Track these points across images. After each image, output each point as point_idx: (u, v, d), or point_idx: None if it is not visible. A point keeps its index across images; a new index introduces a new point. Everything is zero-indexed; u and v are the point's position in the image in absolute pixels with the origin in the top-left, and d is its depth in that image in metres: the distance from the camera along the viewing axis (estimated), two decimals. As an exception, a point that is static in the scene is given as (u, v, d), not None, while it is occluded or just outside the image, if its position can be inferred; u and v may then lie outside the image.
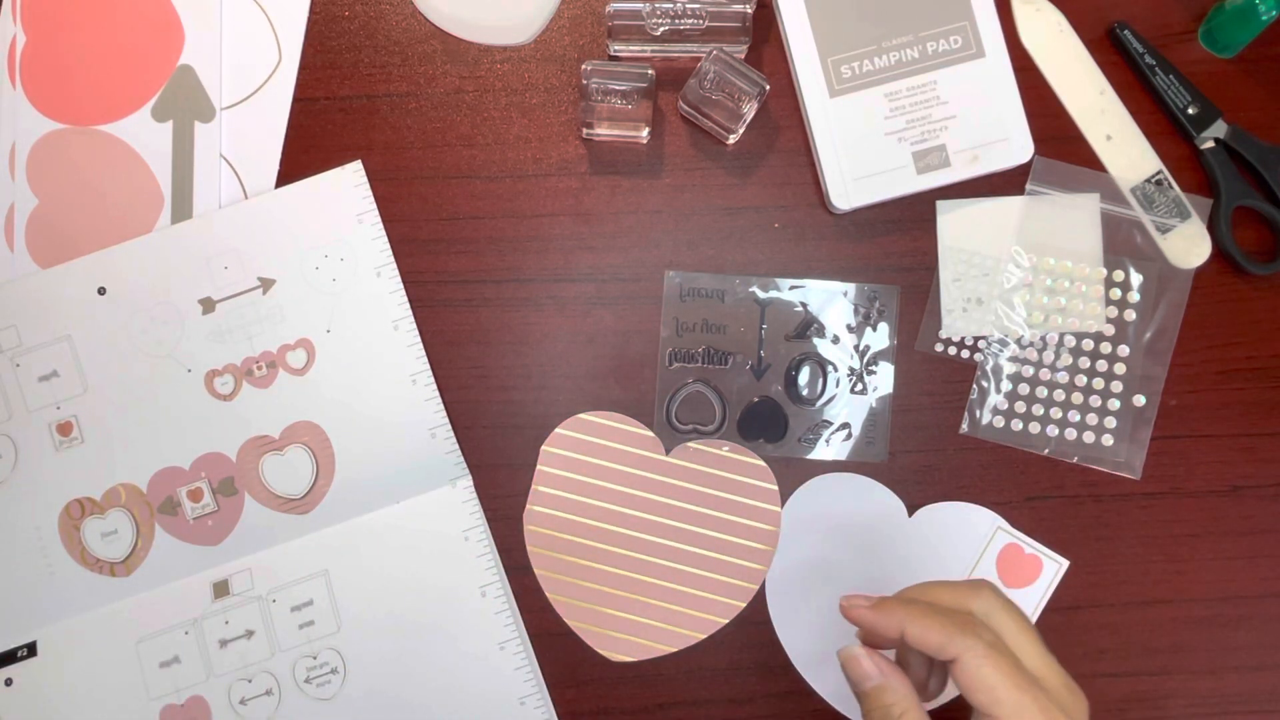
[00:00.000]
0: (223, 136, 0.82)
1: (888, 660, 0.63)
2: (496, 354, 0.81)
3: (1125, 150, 0.81)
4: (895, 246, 0.82)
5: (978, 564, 0.81)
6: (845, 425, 0.81)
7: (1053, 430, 0.81)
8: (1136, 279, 0.81)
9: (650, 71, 0.77)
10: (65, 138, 0.82)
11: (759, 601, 0.81)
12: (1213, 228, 0.81)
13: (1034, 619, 0.80)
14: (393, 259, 0.81)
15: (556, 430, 0.81)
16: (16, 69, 0.82)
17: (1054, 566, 0.81)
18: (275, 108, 0.82)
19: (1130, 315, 0.81)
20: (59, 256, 0.81)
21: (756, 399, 0.81)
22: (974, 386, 0.81)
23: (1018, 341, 0.81)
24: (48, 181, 0.81)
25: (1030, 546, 0.81)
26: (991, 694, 0.58)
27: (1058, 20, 0.82)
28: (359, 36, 0.82)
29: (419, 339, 0.81)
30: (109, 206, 0.81)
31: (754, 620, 0.81)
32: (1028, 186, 0.81)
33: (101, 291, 0.80)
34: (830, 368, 0.81)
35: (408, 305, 0.81)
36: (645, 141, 0.81)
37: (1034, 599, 0.81)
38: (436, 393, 0.80)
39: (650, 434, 0.81)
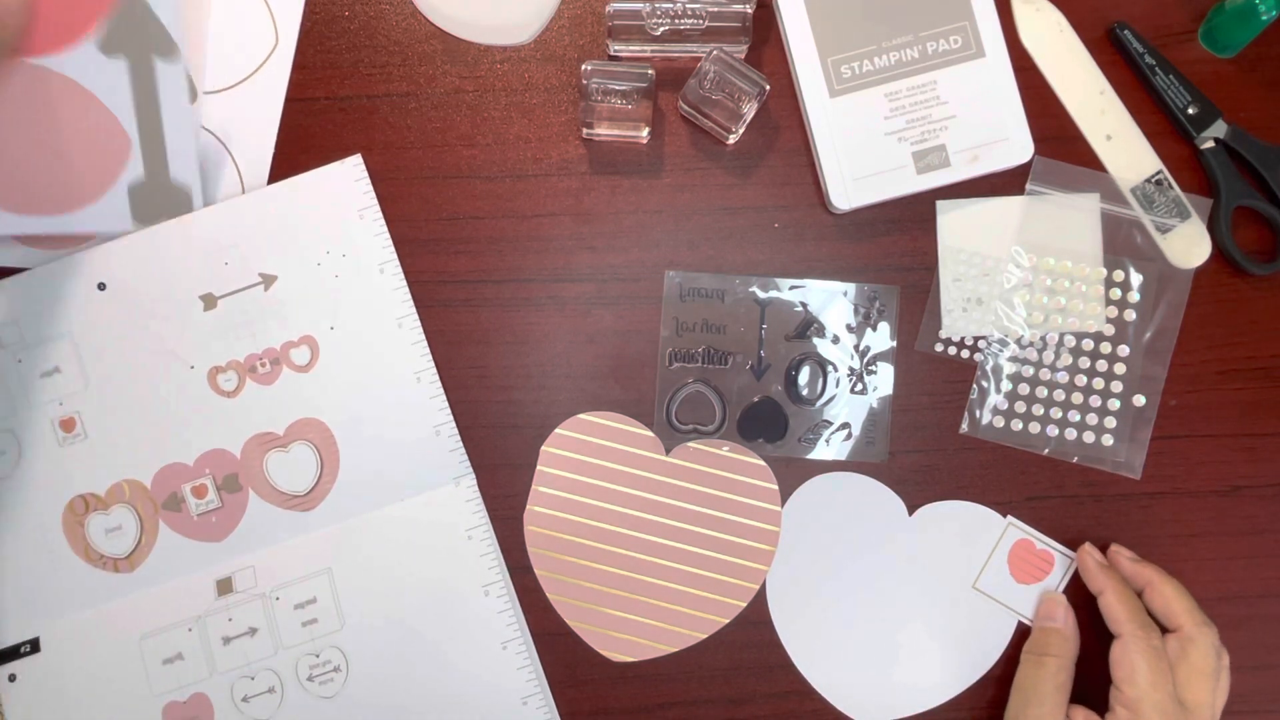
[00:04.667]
0: (212, 119, 0.81)
1: (1075, 619, 0.79)
2: (496, 354, 0.81)
3: (1125, 150, 0.81)
4: (895, 246, 0.82)
5: (989, 560, 0.81)
6: (845, 425, 0.81)
7: (1053, 430, 0.81)
8: (1136, 279, 0.81)
9: (650, 71, 0.77)
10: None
11: (759, 601, 0.81)
12: (1213, 228, 0.81)
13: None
14: (395, 255, 0.81)
15: (556, 430, 0.81)
16: None
17: (1065, 562, 0.81)
18: (271, 91, 0.82)
19: (1130, 315, 0.81)
20: (22, 200, 0.78)
21: (756, 399, 0.81)
22: (974, 386, 0.81)
23: (1018, 341, 0.81)
24: None
25: (1041, 542, 0.81)
26: (1204, 664, 0.73)
27: (1058, 20, 0.82)
28: (359, 36, 0.82)
29: (423, 336, 0.81)
30: (69, 150, 0.78)
31: (754, 620, 0.81)
32: (1028, 186, 0.81)
33: (101, 287, 0.80)
34: (830, 368, 0.81)
35: (411, 302, 0.81)
36: (645, 141, 0.82)
37: (1044, 595, 0.81)
38: (441, 390, 0.80)
39: (650, 434, 0.81)
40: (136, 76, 0.78)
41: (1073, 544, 0.81)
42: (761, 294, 0.81)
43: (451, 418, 0.80)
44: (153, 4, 0.78)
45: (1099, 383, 0.81)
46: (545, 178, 0.82)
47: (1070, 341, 0.81)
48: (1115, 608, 0.76)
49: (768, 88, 0.78)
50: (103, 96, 0.78)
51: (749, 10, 0.78)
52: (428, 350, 0.81)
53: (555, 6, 0.82)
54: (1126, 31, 0.81)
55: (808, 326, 0.81)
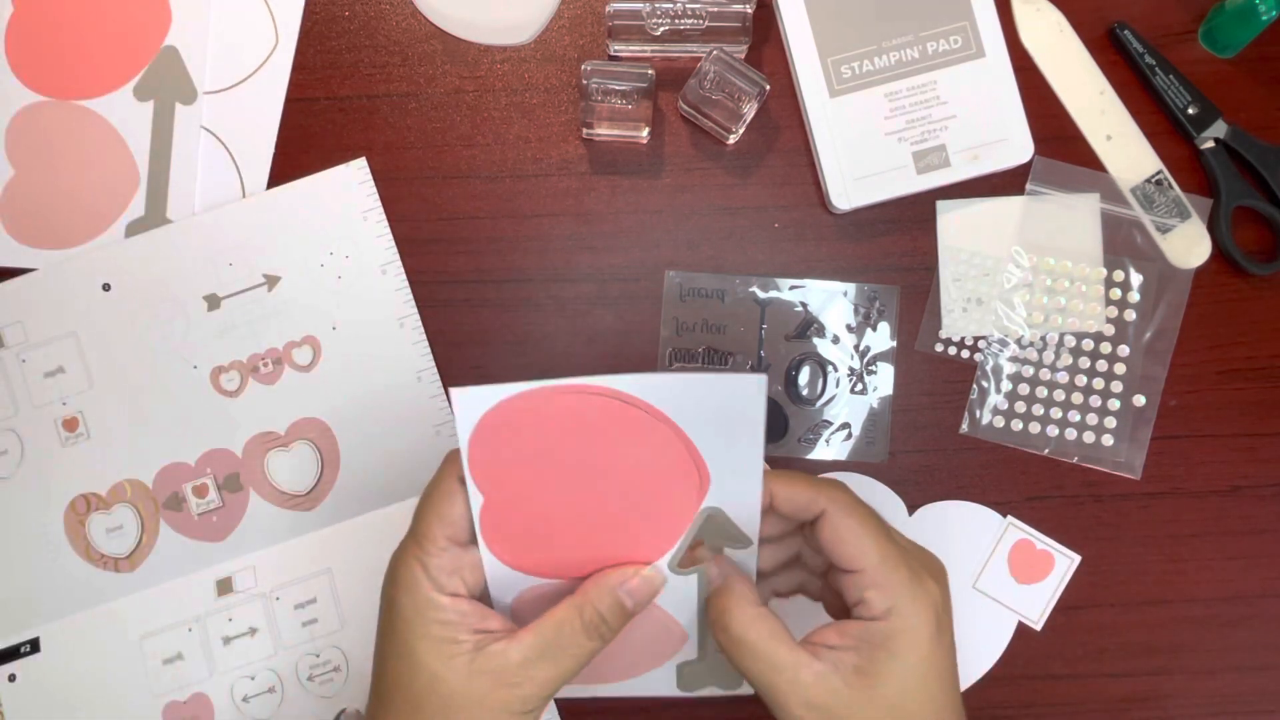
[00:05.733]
0: (212, 120, 0.82)
1: (731, 562, 0.63)
2: (496, 354, 0.81)
3: (1125, 150, 0.81)
4: (895, 246, 0.82)
5: (989, 560, 0.81)
6: (845, 425, 0.81)
7: (1053, 430, 0.81)
8: (1136, 279, 0.81)
9: (650, 71, 0.78)
10: (46, 110, 0.82)
11: (759, 600, 0.81)
12: (1213, 228, 0.81)
13: (1044, 616, 0.81)
14: (398, 256, 0.81)
15: (556, 430, 0.81)
16: (2, 39, 0.82)
17: (1066, 562, 0.81)
18: (271, 91, 0.82)
19: (1130, 315, 0.81)
20: (32, 230, 0.82)
21: (756, 398, 0.81)
22: (974, 386, 0.81)
23: (1018, 341, 0.81)
24: (26, 153, 0.82)
25: (1041, 542, 0.81)
26: (859, 544, 0.58)
27: (1058, 20, 0.82)
28: (359, 36, 0.83)
29: (424, 336, 0.81)
30: (85, 184, 0.82)
31: (754, 619, 0.81)
32: (1028, 186, 0.81)
33: (106, 288, 0.80)
34: (830, 368, 0.81)
35: (413, 303, 0.81)
36: (645, 141, 0.82)
37: (1045, 595, 0.81)
38: (441, 389, 0.81)
39: (650, 433, 0.81)
40: (158, 119, 0.82)
41: (1073, 544, 0.81)
42: (761, 294, 0.81)
43: (452, 417, 0.80)
44: (185, 58, 0.82)
45: (1099, 383, 0.81)
46: (545, 178, 0.82)
47: (1070, 341, 0.81)
48: (796, 490, 0.60)
49: (768, 88, 0.78)
50: (125, 135, 0.82)
51: (749, 10, 0.79)
52: (429, 350, 0.81)
53: (555, 6, 0.82)
54: (1126, 31, 0.81)
55: (808, 326, 0.81)
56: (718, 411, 0.58)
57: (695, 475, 0.60)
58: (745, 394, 0.58)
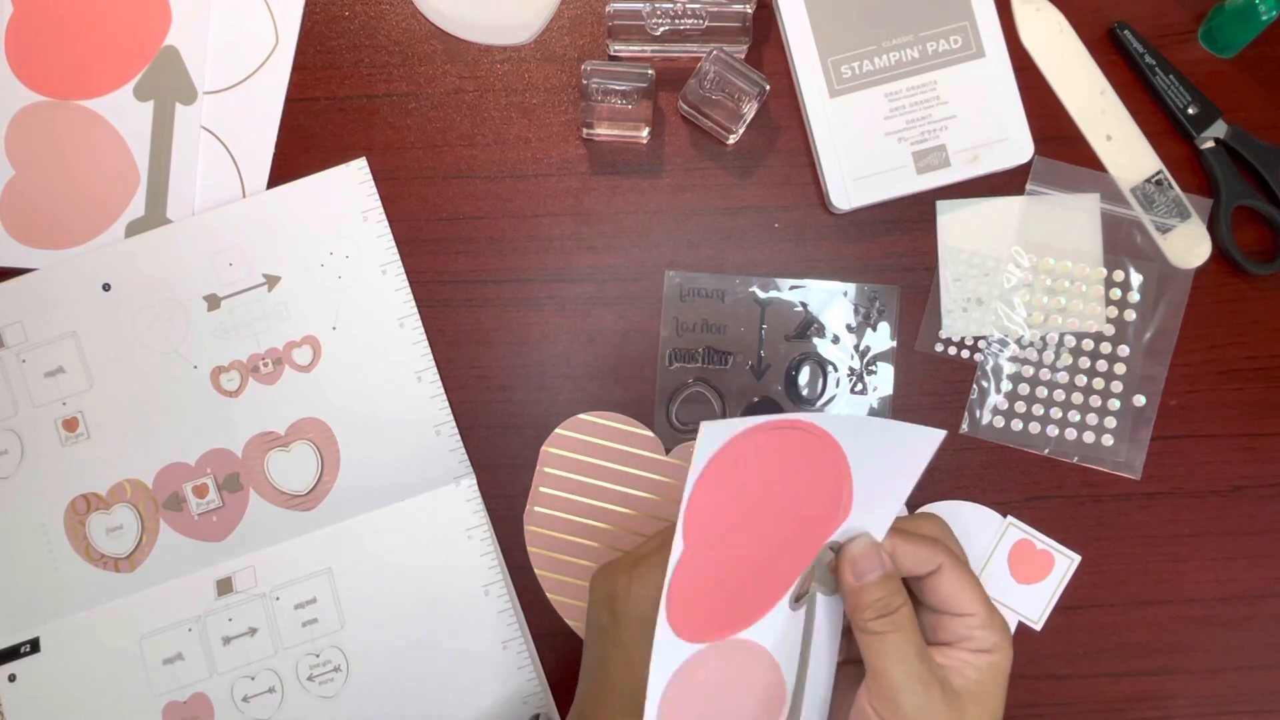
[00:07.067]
0: (212, 120, 0.82)
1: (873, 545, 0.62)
2: (496, 354, 0.81)
3: (1125, 150, 0.81)
4: (895, 246, 0.82)
5: (989, 560, 0.81)
6: (845, 425, 0.81)
7: (1053, 430, 0.81)
8: (1136, 279, 0.81)
9: (650, 71, 0.78)
10: (46, 110, 0.82)
11: (758, 600, 0.81)
12: (1213, 228, 0.80)
13: (1044, 616, 0.81)
14: (398, 256, 0.81)
15: (556, 430, 0.81)
16: (1, 39, 0.82)
17: (1066, 562, 0.81)
18: (271, 91, 0.83)
19: (1130, 315, 0.81)
20: (32, 230, 0.82)
21: (756, 399, 0.81)
22: (974, 386, 0.81)
23: (1018, 341, 0.81)
24: (26, 153, 0.82)
25: (1041, 542, 0.81)
26: (974, 591, 0.62)
27: (1058, 20, 0.82)
28: (359, 36, 0.83)
29: (424, 336, 0.81)
30: (85, 184, 0.82)
31: (753, 619, 0.81)
32: (1028, 186, 0.81)
33: (106, 288, 0.80)
34: (830, 368, 0.81)
35: (413, 302, 0.81)
36: (645, 141, 0.82)
37: (1045, 595, 0.81)
38: (441, 390, 0.81)
39: (650, 434, 0.81)
40: (158, 119, 0.82)
41: (1073, 544, 0.81)
42: (761, 294, 0.81)
43: (452, 417, 0.80)
44: (185, 58, 0.83)
45: (1099, 383, 0.81)
46: (545, 178, 0.82)
47: (1070, 341, 0.81)
48: (918, 547, 0.62)
49: (768, 88, 0.78)
50: (126, 135, 0.82)
51: (749, 10, 0.78)
52: (429, 350, 0.81)
53: (555, 6, 0.82)
54: (1126, 31, 0.81)
55: (808, 326, 0.81)
56: (887, 454, 0.59)
57: (839, 511, 0.60)
58: (920, 445, 0.60)
